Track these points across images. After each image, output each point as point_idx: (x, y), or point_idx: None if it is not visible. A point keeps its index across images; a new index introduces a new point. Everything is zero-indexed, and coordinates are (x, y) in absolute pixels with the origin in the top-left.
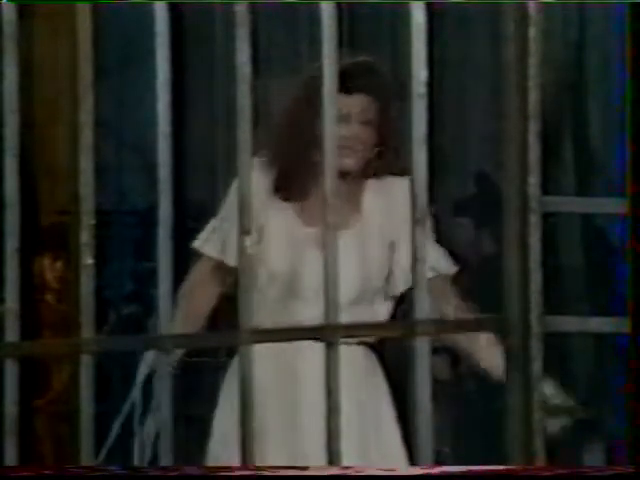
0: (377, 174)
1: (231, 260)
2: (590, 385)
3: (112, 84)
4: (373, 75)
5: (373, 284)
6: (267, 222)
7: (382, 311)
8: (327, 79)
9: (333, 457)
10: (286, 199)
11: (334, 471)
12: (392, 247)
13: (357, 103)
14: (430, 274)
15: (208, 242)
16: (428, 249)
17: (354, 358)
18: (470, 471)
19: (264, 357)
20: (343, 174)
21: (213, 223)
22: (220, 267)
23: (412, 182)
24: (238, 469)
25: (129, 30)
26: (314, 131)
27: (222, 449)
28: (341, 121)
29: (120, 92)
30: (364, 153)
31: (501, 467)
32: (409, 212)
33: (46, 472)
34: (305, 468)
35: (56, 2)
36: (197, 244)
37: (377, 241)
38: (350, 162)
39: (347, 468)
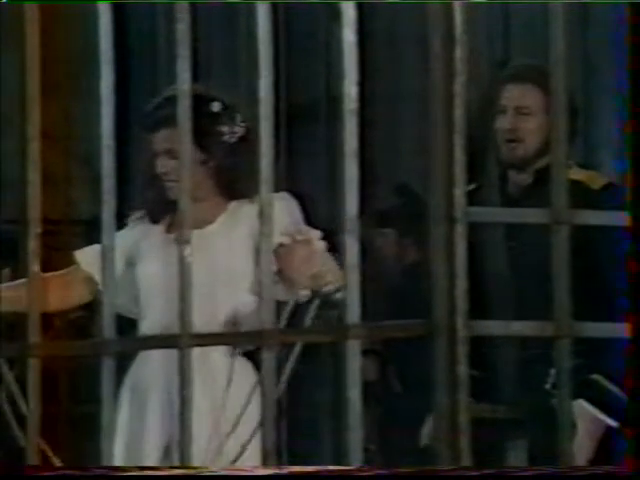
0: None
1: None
2: (516, 387)
3: (60, 98)
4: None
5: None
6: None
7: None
8: (182, 100)
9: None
10: (154, 221)
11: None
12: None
13: (162, 138)
14: None
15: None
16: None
17: (219, 364)
18: (397, 472)
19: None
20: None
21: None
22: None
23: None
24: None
25: (77, 44)
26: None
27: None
28: (158, 156)
29: (68, 106)
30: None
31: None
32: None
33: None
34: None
35: (56, 2)
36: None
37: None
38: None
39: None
